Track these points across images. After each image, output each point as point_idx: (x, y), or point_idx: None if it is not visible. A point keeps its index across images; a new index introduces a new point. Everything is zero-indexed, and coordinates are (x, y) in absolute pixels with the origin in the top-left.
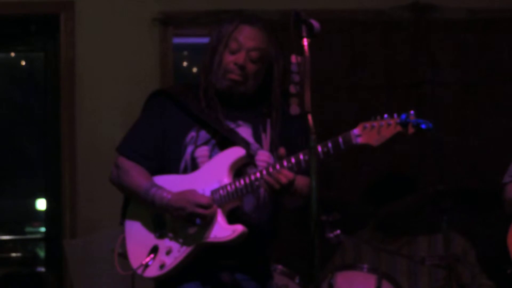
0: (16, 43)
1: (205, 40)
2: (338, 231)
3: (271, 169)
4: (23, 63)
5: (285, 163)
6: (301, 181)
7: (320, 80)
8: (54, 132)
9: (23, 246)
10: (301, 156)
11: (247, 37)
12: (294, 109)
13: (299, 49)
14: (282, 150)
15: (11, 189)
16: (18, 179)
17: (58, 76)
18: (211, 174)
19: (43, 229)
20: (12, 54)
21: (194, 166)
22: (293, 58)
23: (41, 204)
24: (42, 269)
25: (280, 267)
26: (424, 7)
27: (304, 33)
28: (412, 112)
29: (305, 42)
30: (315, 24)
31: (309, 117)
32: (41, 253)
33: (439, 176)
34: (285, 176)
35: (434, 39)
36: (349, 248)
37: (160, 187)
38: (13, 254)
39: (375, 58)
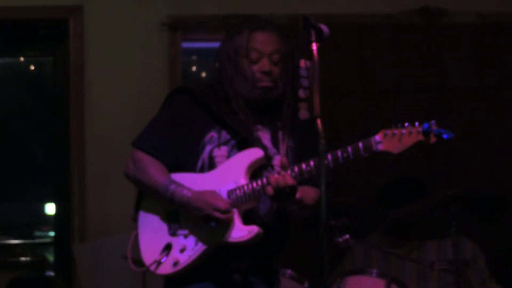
0: (25, 47)
1: (214, 44)
2: (347, 236)
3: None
4: (32, 67)
5: (296, 169)
6: (309, 193)
7: (329, 84)
8: (63, 137)
9: (32, 251)
10: (312, 163)
11: (264, 43)
12: (303, 114)
13: (308, 54)
14: (284, 160)
15: (20, 194)
16: (27, 183)
17: (67, 81)
18: (228, 174)
19: (52, 234)
20: (21, 59)
21: (211, 165)
22: (302, 63)
23: (50, 208)
24: (51, 273)
25: (289, 271)
26: (434, 11)
27: (313, 38)
28: (433, 121)
29: (314, 46)
30: (324, 28)
31: (318, 121)
32: (50, 257)
33: (449, 181)
34: (285, 181)
35: (443, 44)
36: (358, 253)
37: (180, 184)
38: (23, 258)
39: (384, 63)
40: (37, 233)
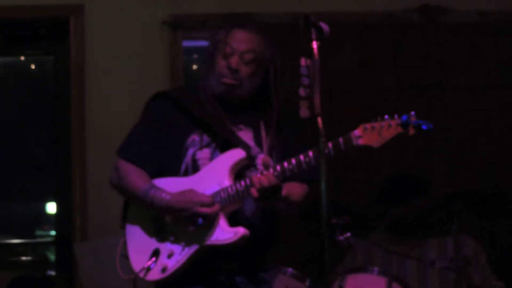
0: (26, 46)
1: None
2: (348, 234)
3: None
4: (33, 66)
5: (278, 168)
6: (296, 189)
7: (330, 83)
8: (64, 136)
9: (33, 250)
10: (293, 161)
11: (239, 40)
12: (304, 112)
13: (309, 52)
14: (266, 159)
15: (21, 193)
16: (28, 183)
17: (67, 80)
18: (211, 176)
19: (53, 233)
20: (22, 58)
21: (195, 168)
22: (303, 61)
23: (51, 207)
24: (53, 273)
25: (290, 270)
26: (435, 9)
27: (313, 36)
28: (412, 113)
29: (315, 45)
30: (325, 27)
31: (319, 120)
32: (52, 257)
33: (449, 179)
34: (268, 181)
35: (444, 42)
36: (359, 251)
37: (159, 189)
38: (24, 258)
39: (385, 61)
40: (38, 232)
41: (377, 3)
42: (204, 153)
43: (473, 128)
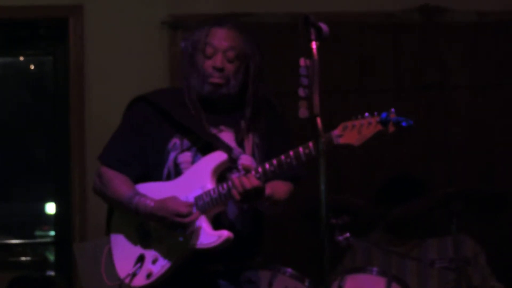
0: (25, 47)
1: None
2: (348, 234)
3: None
4: (32, 67)
5: (260, 170)
6: (280, 187)
7: (329, 83)
8: (63, 136)
9: (33, 250)
10: (274, 161)
11: (221, 38)
12: (303, 113)
13: (308, 52)
14: (245, 164)
15: (20, 193)
16: (28, 183)
17: (67, 80)
18: (193, 180)
19: (52, 233)
20: (21, 58)
21: (177, 172)
22: (302, 61)
23: (50, 208)
24: (52, 273)
25: (290, 270)
26: (434, 9)
27: (313, 36)
28: (392, 110)
29: (314, 45)
30: (324, 27)
31: (318, 120)
32: (51, 257)
33: (449, 179)
34: (250, 183)
35: (443, 42)
36: (358, 251)
37: (143, 195)
38: (23, 258)
39: (384, 61)
40: (38, 233)
41: (377, 3)
42: (186, 156)
43: (473, 127)
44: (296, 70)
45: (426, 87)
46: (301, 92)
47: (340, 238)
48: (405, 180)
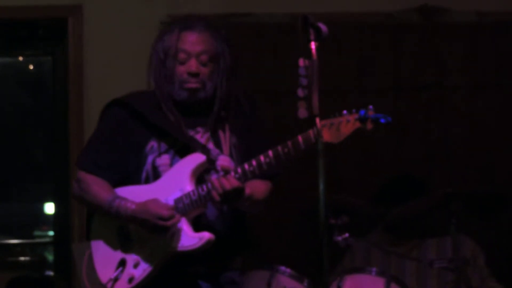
0: (24, 47)
1: None
2: (347, 234)
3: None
4: (31, 67)
5: (239, 170)
6: (259, 187)
7: (328, 83)
8: (63, 136)
9: (31, 250)
10: (254, 162)
11: (192, 43)
12: (302, 113)
13: (307, 53)
14: (224, 165)
15: (19, 193)
16: (27, 183)
17: (66, 80)
18: (172, 182)
19: (51, 233)
20: (20, 58)
21: (156, 175)
22: (301, 62)
23: (49, 208)
24: (51, 273)
25: (289, 270)
26: (433, 10)
27: (312, 37)
28: (370, 107)
29: (313, 45)
30: (323, 27)
31: (317, 120)
32: (50, 257)
33: (448, 179)
34: (230, 183)
35: (442, 42)
36: (358, 251)
37: (123, 198)
38: (22, 258)
39: (383, 61)
40: (37, 233)
41: (376, 4)
42: (164, 159)
43: (472, 128)
44: (295, 70)
45: (426, 87)
46: (300, 92)
47: (339, 238)
48: (404, 180)
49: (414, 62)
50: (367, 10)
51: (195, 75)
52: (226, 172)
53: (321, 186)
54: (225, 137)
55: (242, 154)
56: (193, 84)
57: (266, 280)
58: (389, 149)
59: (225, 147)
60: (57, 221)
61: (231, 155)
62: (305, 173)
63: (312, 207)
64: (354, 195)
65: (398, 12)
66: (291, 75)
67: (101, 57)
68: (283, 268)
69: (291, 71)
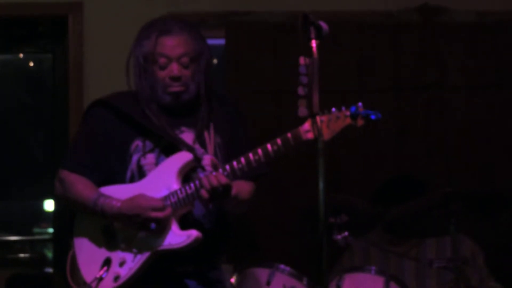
0: (25, 44)
1: (213, 41)
2: (346, 233)
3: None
4: (31, 64)
5: (228, 168)
6: (244, 187)
7: (328, 82)
8: (62, 134)
9: (31, 247)
10: (243, 160)
11: (171, 47)
12: (302, 111)
13: (308, 51)
14: (214, 160)
15: (19, 191)
16: (26, 180)
17: (66, 78)
18: (159, 181)
19: (51, 230)
20: (21, 56)
21: (141, 174)
22: (302, 60)
23: (49, 205)
24: (50, 270)
25: (288, 268)
26: (433, 9)
27: (312, 35)
28: (360, 104)
29: (313, 44)
30: (324, 26)
31: (317, 119)
32: (49, 254)
33: (448, 179)
34: (218, 180)
35: (442, 42)
36: (357, 250)
37: (108, 197)
38: (21, 255)
39: (383, 61)
40: (36, 230)
41: (376, 3)
42: (149, 158)
43: (472, 127)
44: (295, 69)
45: (426, 87)
46: (301, 90)
47: (339, 237)
48: (404, 180)
49: (414, 61)
50: (368, 9)
51: (177, 78)
52: (215, 168)
53: (321, 185)
54: (210, 137)
55: (227, 153)
56: (176, 87)
57: (266, 278)
58: (389, 149)
59: (210, 146)
60: (57, 218)
61: (215, 155)
62: (305, 172)
63: (312, 206)
64: (353, 194)
65: (398, 12)
66: (291, 74)
67: (101, 55)
68: (282, 266)
69: (291, 69)
